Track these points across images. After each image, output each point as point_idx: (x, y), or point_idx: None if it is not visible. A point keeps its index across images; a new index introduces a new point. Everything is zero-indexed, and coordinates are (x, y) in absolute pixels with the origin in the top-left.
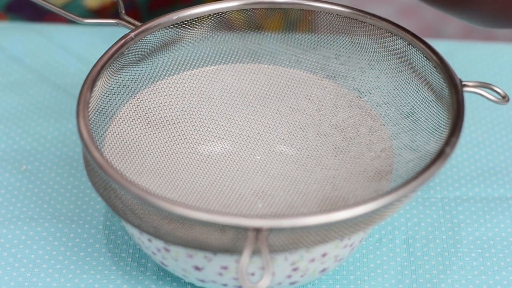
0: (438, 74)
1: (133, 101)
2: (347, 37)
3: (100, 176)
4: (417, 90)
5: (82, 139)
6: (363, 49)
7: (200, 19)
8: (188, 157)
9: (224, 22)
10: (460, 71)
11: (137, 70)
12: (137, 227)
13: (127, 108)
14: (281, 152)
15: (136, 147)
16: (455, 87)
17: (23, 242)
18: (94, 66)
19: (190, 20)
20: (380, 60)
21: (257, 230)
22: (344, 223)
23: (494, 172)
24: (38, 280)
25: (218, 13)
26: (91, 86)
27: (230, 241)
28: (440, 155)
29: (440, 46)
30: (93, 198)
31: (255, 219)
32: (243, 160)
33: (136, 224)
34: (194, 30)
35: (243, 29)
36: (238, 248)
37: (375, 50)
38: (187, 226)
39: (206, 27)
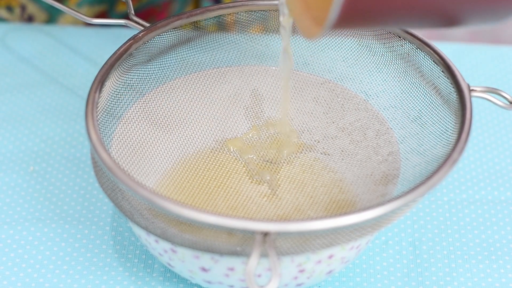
0: (446, 79)
1: (140, 102)
2: (355, 40)
3: (108, 177)
4: (424, 94)
5: (91, 140)
6: (371, 52)
7: (209, 20)
8: (195, 158)
9: (232, 24)
10: (466, 74)
11: (145, 71)
12: (145, 228)
13: (135, 109)
14: (288, 154)
15: (143, 148)
16: (463, 92)
17: (30, 243)
18: (102, 67)
19: (199, 21)
20: (388, 63)
21: (265, 234)
22: (351, 227)
23: (501, 175)
24: (45, 281)
25: (226, 14)
26: (99, 87)
27: (237, 243)
28: (448, 160)
29: (446, 48)
30: (100, 199)
31: (263, 223)
32: (250, 162)
33: (143, 226)
34: (202, 31)
35: (251, 31)
36: (246, 251)
37: (383, 53)
38: (195, 228)
39: (215, 28)
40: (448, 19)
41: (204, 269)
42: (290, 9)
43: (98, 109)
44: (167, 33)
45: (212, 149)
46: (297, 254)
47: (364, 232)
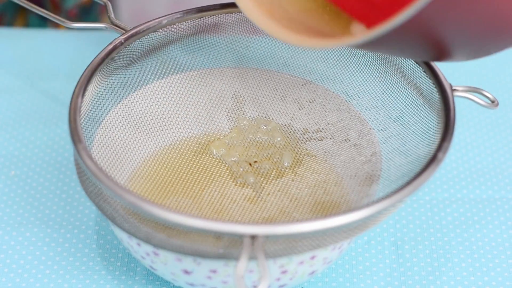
0: (428, 79)
1: (121, 105)
2: None
3: (93, 184)
4: (406, 94)
5: (76, 146)
6: (352, 53)
7: (189, 22)
8: (178, 161)
9: (212, 26)
10: (447, 73)
11: (126, 75)
12: (128, 232)
13: (115, 113)
14: (270, 156)
15: (124, 152)
16: (445, 92)
17: (11, 247)
18: (84, 72)
19: (179, 24)
20: (369, 63)
21: (253, 237)
22: (339, 229)
23: (483, 173)
24: (27, 285)
25: (206, 16)
26: (82, 92)
27: (224, 247)
28: (433, 160)
29: None
30: (81, 203)
31: (251, 226)
32: (233, 165)
33: (126, 229)
34: (182, 34)
35: (231, 33)
36: (234, 254)
37: (364, 53)
38: (182, 232)
39: (195, 31)
40: (441, 53)
41: (186, 272)
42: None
43: (81, 114)
44: (148, 36)
45: (195, 152)
46: (285, 256)
47: (351, 233)
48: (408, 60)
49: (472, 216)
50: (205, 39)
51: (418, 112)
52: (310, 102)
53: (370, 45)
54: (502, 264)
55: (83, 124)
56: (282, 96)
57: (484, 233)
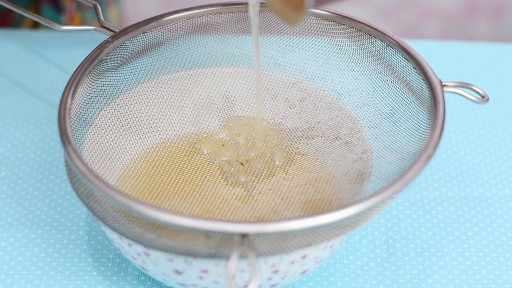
0: (418, 75)
1: (111, 106)
2: (326, 39)
3: (84, 185)
4: (396, 91)
5: (65, 147)
6: (342, 51)
7: (179, 23)
8: (168, 161)
9: (202, 26)
10: (438, 71)
11: (116, 76)
12: (119, 233)
13: (106, 114)
14: (261, 155)
15: (115, 153)
16: (435, 88)
17: (3, 248)
18: (74, 73)
19: (169, 24)
20: (359, 61)
21: (243, 236)
22: (329, 226)
23: (473, 171)
24: (18, 286)
25: (196, 17)
26: (72, 94)
27: (215, 246)
28: (422, 155)
29: (419, 46)
30: (72, 204)
31: (241, 225)
32: (225, 164)
33: (117, 229)
34: (172, 34)
35: (221, 33)
36: (224, 253)
37: (354, 51)
38: (173, 232)
39: (185, 31)
40: None
41: (177, 272)
42: (268, 3)
43: (71, 115)
44: (138, 37)
45: (186, 151)
46: (276, 254)
47: (342, 231)
48: (398, 57)
49: (463, 214)
50: (195, 39)
51: (409, 109)
52: (300, 101)
53: None
54: (493, 262)
55: (73, 126)
56: (273, 95)
57: (475, 231)
